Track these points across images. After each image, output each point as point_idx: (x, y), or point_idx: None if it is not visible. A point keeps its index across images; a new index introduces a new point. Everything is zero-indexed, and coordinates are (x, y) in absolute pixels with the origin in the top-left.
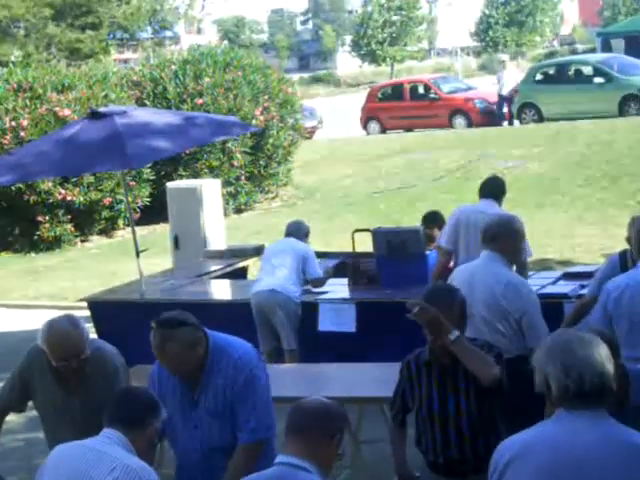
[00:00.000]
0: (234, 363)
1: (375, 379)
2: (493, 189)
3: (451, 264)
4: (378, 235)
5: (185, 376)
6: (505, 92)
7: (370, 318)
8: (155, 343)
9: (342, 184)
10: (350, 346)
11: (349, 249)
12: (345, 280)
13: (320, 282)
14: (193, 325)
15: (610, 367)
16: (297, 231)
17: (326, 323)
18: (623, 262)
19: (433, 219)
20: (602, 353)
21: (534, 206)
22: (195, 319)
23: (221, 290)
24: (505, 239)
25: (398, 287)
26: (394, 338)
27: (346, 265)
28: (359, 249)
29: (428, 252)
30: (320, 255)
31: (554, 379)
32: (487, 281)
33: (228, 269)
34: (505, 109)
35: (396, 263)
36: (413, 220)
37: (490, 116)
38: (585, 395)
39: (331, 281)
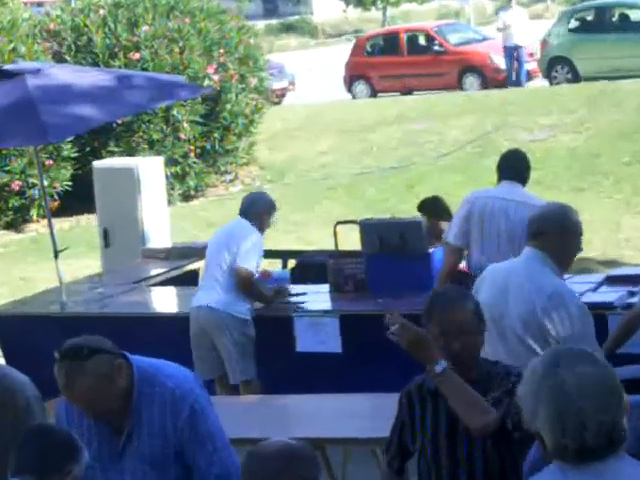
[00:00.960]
0: (170, 394)
1: (366, 414)
2: (515, 167)
3: (462, 265)
4: (367, 228)
5: (105, 417)
6: (515, 42)
7: (359, 335)
8: (61, 381)
9: (321, 162)
10: (335, 371)
11: (330, 246)
12: (326, 287)
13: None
14: (109, 352)
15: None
16: (250, 208)
17: (304, 342)
18: None
19: (433, 207)
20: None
21: (568, 190)
22: (110, 343)
23: (164, 301)
24: (554, 236)
25: (394, 295)
26: (390, 360)
27: (327, 267)
28: (343, 246)
29: (432, 250)
30: (292, 254)
31: (546, 431)
32: (526, 289)
33: (173, 273)
34: (527, 66)
35: (391, 264)
36: (412, 209)
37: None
38: (589, 450)
39: (308, 288)
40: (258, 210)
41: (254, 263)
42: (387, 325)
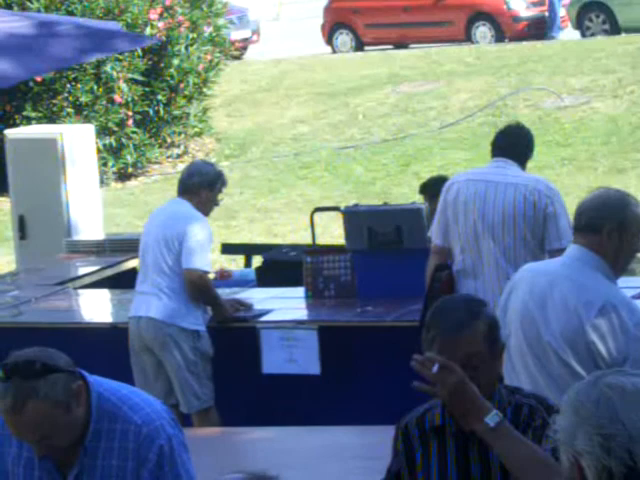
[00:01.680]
0: (136, 433)
1: (351, 452)
2: (512, 142)
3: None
4: (353, 218)
5: (52, 454)
6: None
7: (343, 353)
8: (5, 404)
9: (293, 134)
10: (312, 398)
11: (306, 240)
12: (300, 290)
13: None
14: (66, 371)
15: None
16: (190, 183)
17: (273, 361)
18: None
19: (438, 190)
20: None
21: (606, 171)
22: (66, 358)
23: (96, 307)
24: (613, 233)
25: (387, 302)
26: (381, 385)
27: (302, 266)
28: (322, 240)
29: None
30: (258, 249)
31: (589, 460)
32: (571, 299)
33: (107, 272)
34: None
35: (383, 263)
36: (410, 193)
37: (535, 23)
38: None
39: (278, 292)
40: (200, 184)
41: (205, 259)
42: (416, 365)
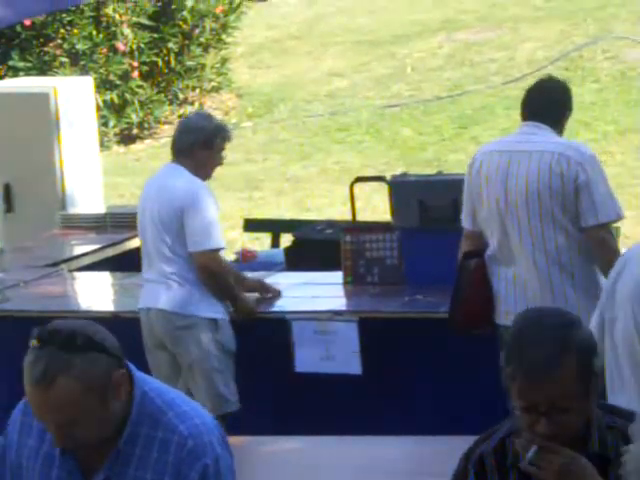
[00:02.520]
0: (180, 443)
1: (399, 466)
2: (542, 101)
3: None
4: (400, 189)
5: (79, 450)
6: None
7: (389, 349)
8: (34, 374)
9: (328, 90)
10: (351, 402)
11: (344, 215)
12: (337, 275)
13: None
14: (112, 354)
15: None
16: (179, 144)
17: (306, 359)
18: None
19: None
20: None
21: None
22: (114, 341)
23: (96, 293)
24: None
25: (441, 289)
26: (434, 386)
27: (339, 246)
28: (364, 216)
29: None
30: (287, 226)
31: None
32: None
33: (109, 252)
34: None
35: (435, 243)
36: (468, 160)
37: None
38: None
39: (311, 277)
40: (193, 143)
41: (214, 236)
42: (519, 452)
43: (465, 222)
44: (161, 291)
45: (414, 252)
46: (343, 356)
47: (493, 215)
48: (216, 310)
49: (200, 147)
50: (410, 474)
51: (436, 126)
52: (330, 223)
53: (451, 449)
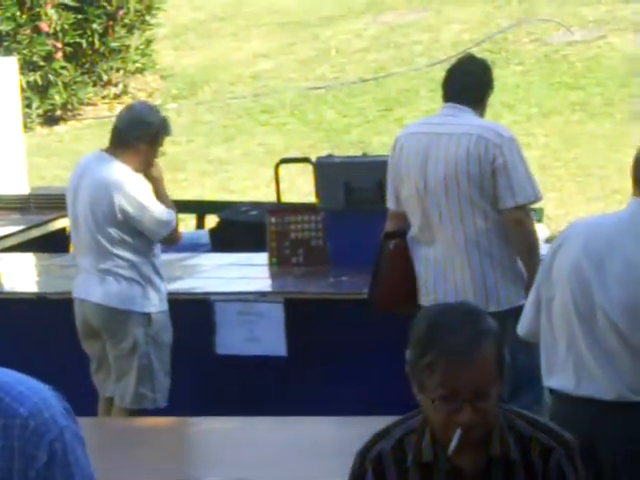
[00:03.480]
0: (22, 426)
1: (325, 447)
2: (463, 82)
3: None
4: (325, 171)
5: None
6: None
7: (314, 330)
8: None
9: (253, 71)
10: (277, 383)
11: (270, 197)
12: (262, 256)
13: (173, 239)
14: None
15: None
16: (124, 136)
17: (229, 341)
18: None
19: None
20: None
21: (624, 118)
22: None
23: (20, 274)
24: None
25: (365, 271)
26: (359, 367)
27: (265, 228)
28: (289, 197)
29: None
30: (212, 208)
31: None
32: (635, 263)
33: (34, 232)
34: None
35: (360, 225)
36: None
37: None
38: None
39: (236, 258)
40: (140, 138)
41: (160, 218)
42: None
43: (389, 202)
44: (96, 284)
45: (339, 233)
46: (268, 338)
47: (413, 197)
48: (150, 304)
49: (145, 142)
50: (335, 454)
51: (361, 108)
52: (254, 205)
53: (376, 430)
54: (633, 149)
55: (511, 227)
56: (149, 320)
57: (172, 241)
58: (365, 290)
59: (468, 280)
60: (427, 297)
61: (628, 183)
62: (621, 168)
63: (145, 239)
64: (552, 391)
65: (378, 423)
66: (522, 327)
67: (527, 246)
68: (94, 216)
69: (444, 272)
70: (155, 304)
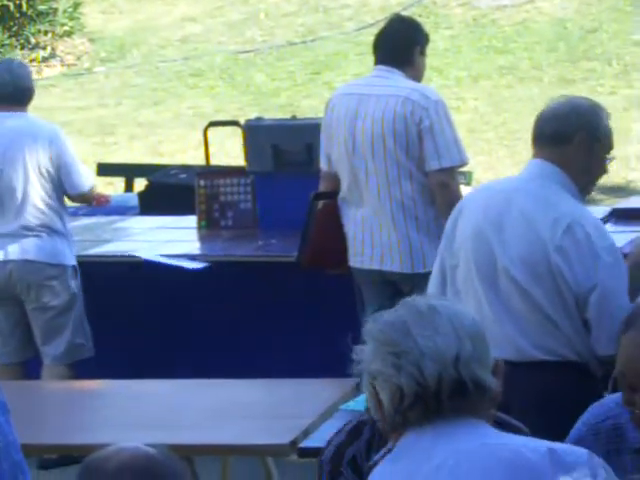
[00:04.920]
0: None
1: (255, 409)
2: (391, 45)
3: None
4: (254, 134)
5: None
6: None
7: (242, 294)
8: None
9: (182, 35)
10: (206, 345)
11: (199, 160)
12: (191, 219)
13: (87, 197)
14: None
15: None
16: (25, 95)
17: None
18: None
19: None
20: None
21: (552, 82)
22: None
23: None
24: (582, 145)
25: (294, 234)
26: (288, 330)
27: (194, 191)
28: (218, 160)
29: None
30: (141, 171)
31: (382, 381)
32: (533, 220)
33: None
34: None
35: (289, 188)
36: (321, 105)
37: None
38: None
39: (165, 221)
40: (31, 93)
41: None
42: None
43: (322, 163)
44: (27, 243)
45: (268, 196)
46: None
47: (343, 157)
48: (73, 257)
49: (29, 99)
50: (265, 417)
51: (289, 72)
52: (184, 168)
53: (305, 391)
54: (608, 117)
55: (436, 190)
56: (76, 272)
57: (88, 200)
58: (294, 253)
59: (394, 241)
60: (355, 257)
61: None
62: None
63: (62, 193)
64: None
65: (308, 384)
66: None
67: (452, 209)
68: (37, 171)
69: (372, 232)
70: (74, 255)
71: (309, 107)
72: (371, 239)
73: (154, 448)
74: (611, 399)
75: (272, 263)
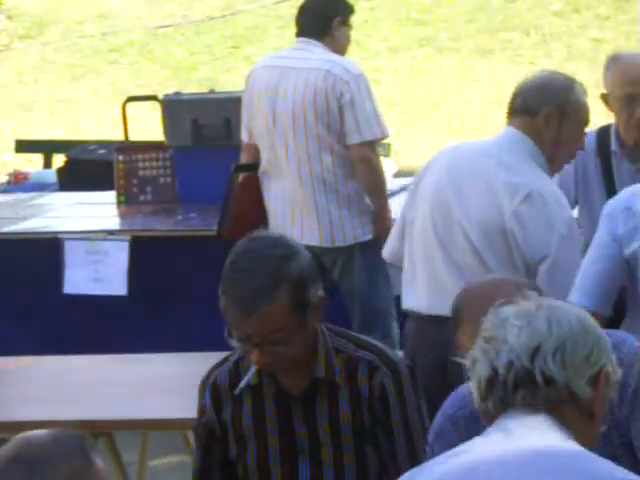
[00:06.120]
0: None
1: (171, 383)
2: (310, 17)
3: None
4: (173, 108)
5: None
6: None
7: (160, 268)
8: None
9: (100, 10)
10: (125, 320)
11: (118, 136)
12: (110, 194)
13: None
14: None
15: None
16: None
17: (76, 280)
18: (602, 141)
19: None
20: None
21: (470, 53)
22: None
23: None
24: (553, 117)
25: (212, 208)
26: (206, 304)
27: (112, 166)
28: (137, 135)
29: None
30: (59, 147)
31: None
32: (495, 183)
33: None
34: None
35: (209, 162)
36: (240, 80)
37: None
38: None
39: (84, 197)
40: None
41: None
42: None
43: (243, 135)
44: None
45: (187, 171)
46: (112, 277)
47: (263, 130)
48: None
49: None
50: (186, 391)
51: (208, 46)
52: (103, 144)
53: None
54: (479, 84)
55: (357, 163)
56: None
57: None
58: (214, 227)
59: (314, 215)
60: (277, 231)
61: (475, 118)
62: (468, 103)
63: None
64: (408, 313)
65: (219, 358)
66: (386, 250)
67: (373, 182)
68: None
69: (292, 207)
70: None
71: (229, 81)
72: (291, 213)
73: (65, 429)
74: (466, 387)
75: (192, 237)
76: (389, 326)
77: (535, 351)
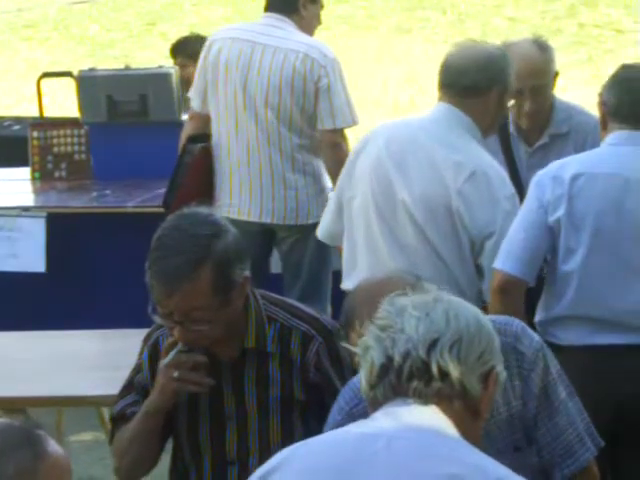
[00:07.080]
0: None
1: (89, 360)
2: None
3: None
4: (88, 85)
5: None
6: None
7: (76, 245)
8: None
9: None
10: (42, 298)
11: (32, 112)
12: (25, 171)
13: None
14: None
15: None
16: None
17: None
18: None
19: (194, 51)
20: None
21: (389, 31)
22: None
23: None
24: (493, 95)
25: (130, 185)
26: (123, 281)
27: (27, 142)
28: (52, 112)
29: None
30: None
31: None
32: (437, 156)
33: None
34: None
35: (124, 138)
36: (156, 56)
37: None
38: None
39: None
40: None
41: None
42: None
43: (194, 103)
44: None
45: (102, 147)
46: (28, 253)
47: (229, 104)
48: None
49: None
50: (101, 368)
51: (124, 22)
52: (17, 120)
53: (138, 342)
54: (397, 62)
55: (327, 148)
56: None
57: None
58: (129, 204)
59: (280, 192)
60: (231, 208)
61: (392, 96)
62: (385, 81)
63: None
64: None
65: (139, 336)
66: (321, 229)
67: (340, 167)
68: None
69: (250, 182)
70: None
71: (144, 58)
72: (250, 188)
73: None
74: (358, 380)
75: (107, 214)
76: (328, 301)
77: (433, 343)
